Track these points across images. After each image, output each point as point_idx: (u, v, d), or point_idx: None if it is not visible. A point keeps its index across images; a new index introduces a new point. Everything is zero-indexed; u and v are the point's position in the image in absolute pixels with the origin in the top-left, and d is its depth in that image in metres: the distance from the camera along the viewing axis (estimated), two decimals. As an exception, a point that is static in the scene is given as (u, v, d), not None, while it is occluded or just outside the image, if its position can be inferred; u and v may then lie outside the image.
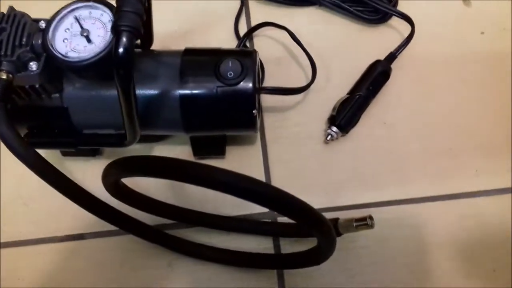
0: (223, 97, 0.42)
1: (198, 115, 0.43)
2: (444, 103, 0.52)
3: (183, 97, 0.42)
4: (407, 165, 0.50)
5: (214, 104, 0.42)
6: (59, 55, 0.38)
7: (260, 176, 0.49)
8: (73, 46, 0.38)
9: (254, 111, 0.43)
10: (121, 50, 0.33)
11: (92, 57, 0.37)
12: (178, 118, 0.43)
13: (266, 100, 0.52)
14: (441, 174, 0.50)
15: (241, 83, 0.42)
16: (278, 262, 0.44)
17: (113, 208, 0.41)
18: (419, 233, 0.48)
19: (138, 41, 0.44)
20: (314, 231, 0.32)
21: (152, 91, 0.42)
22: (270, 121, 0.52)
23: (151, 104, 0.43)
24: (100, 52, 0.37)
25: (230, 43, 0.55)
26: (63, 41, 0.39)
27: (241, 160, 0.50)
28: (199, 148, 0.48)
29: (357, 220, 0.40)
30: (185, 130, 0.44)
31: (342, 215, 0.43)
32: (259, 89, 0.46)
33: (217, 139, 0.47)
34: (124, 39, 0.33)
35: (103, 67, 0.38)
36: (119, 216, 0.42)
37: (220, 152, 0.49)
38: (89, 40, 0.38)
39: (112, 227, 0.43)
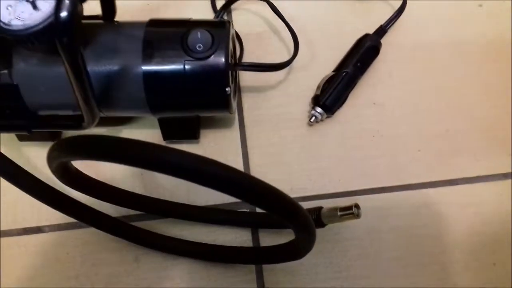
0: (191, 73, 0.37)
1: (165, 93, 0.38)
2: (439, 81, 0.48)
3: (146, 73, 0.37)
4: (399, 148, 0.46)
5: (182, 81, 0.38)
6: (1, 24, 0.33)
7: (237, 161, 0.45)
8: (18, 14, 0.34)
9: (227, 89, 0.38)
10: (63, 14, 0.29)
11: (37, 24, 0.33)
12: (142, 97, 0.38)
13: (245, 78, 0.48)
14: (437, 158, 0.45)
15: (212, 57, 0.37)
16: (253, 256, 0.40)
17: (71, 198, 0.37)
18: (413, 224, 0.43)
19: (100, 13, 0.40)
20: (287, 222, 0.27)
21: (113, 67, 0.38)
22: (249, 102, 0.47)
23: (111, 82, 0.38)
24: (46, 19, 0.33)
25: (207, 17, 0.50)
26: (7, 8, 0.34)
27: (216, 144, 0.46)
28: (169, 131, 0.43)
29: (342, 209, 0.36)
30: (151, 111, 0.39)
31: (327, 204, 0.38)
32: (233, 65, 0.41)
33: (189, 121, 0.43)
34: (66, 1, 0.29)
35: (50, 37, 0.33)
36: (78, 207, 0.38)
37: (192, 136, 0.44)
38: (35, 7, 0.33)
39: (72, 220, 0.39)
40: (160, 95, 0.38)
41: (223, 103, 0.39)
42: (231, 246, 0.41)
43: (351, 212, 0.36)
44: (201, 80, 0.38)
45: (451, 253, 0.42)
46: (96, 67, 0.37)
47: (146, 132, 0.46)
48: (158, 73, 0.37)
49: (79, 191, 0.37)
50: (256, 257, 0.40)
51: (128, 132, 0.46)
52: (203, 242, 0.42)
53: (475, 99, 0.47)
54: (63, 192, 0.36)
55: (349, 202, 0.36)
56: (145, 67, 0.37)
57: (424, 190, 0.44)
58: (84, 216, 0.39)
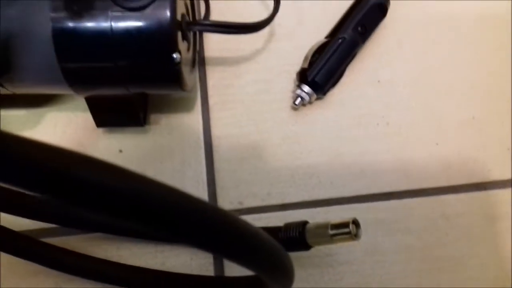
0: (121, 29, 0.26)
1: (84, 60, 0.27)
2: (465, 54, 0.37)
3: (57, 31, 0.26)
4: (410, 141, 0.35)
5: (108, 42, 0.26)
6: None
7: (198, 154, 0.34)
8: None
9: (174, 56, 0.27)
10: None
11: None
12: (54, 64, 0.27)
13: (211, 47, 0.36)
14: (460, 154, 0.34)
15: (151, 7, 0.26)
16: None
17: None
18: (429, 242, 0.32)
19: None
20: (225, 256, 0.16)
21: (10, 21, 0.26)
22: (215, 78, 0.36)
23: (10, 42, 0.27)
24: None
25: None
26: None
27: (171, 133, 0.34)
28: (100, 114, 0.32)
29: (334, 226, 0.25)
30: (68, 85, 0.28)
31: (316, 215, 0.27)
32: (188, 23, 0.30)
33: (128, 102, 0.31)
34: None
35: None
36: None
37: (135, 121, 0.33)
38: None
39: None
40: (77, 62, 0.27)
41: (170, 76, 0.28)
42: (180, 274, 0.30)
43: (347, 231, 0.25)
44: (136, 41, 0.26)
45: (483, 282, 0.32)
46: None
47: (76, 115, 0.35)
48: (73, 30, 0.26)
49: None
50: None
51: (52, 116, 0.35)
52: (146, 267, 0.30)
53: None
54: None
55: (344, 217, 0.25)
56: (56, 24, 0.26)
57: (443, 197, 0.34)
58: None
